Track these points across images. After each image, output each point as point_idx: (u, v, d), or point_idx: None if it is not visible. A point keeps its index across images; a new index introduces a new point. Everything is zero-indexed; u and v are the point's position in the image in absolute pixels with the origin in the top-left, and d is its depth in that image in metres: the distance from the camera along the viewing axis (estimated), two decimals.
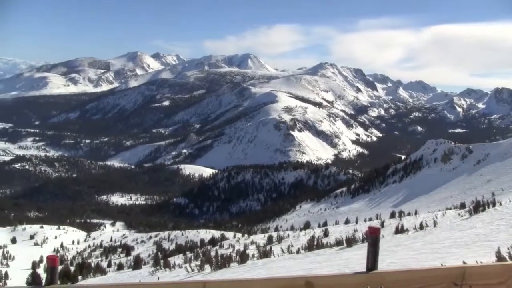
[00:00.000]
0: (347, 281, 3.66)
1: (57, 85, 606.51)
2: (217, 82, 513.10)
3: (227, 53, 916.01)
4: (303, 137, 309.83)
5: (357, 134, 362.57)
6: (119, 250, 70.94)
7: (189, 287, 3.59)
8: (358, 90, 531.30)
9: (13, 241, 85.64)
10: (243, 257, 24.32)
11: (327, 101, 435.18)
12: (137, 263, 39.37)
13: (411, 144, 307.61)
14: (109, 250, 72.40)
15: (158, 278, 25.94)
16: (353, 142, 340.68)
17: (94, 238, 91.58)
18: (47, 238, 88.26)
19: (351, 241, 23.61)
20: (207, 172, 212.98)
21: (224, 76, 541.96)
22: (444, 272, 3.91)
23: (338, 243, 24.77)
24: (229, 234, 61.34)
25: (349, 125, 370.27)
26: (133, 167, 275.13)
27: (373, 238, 3.80)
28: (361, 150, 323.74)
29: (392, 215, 50.41)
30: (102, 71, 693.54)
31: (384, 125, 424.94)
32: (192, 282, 3.68)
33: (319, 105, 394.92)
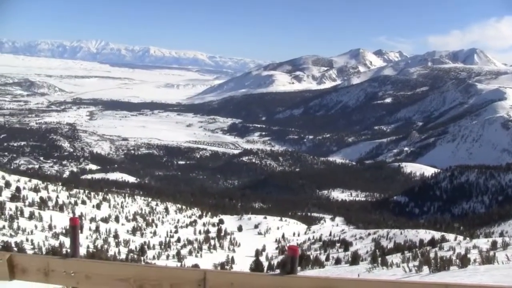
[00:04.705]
0: None
1: (283, 83, 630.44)
2: (441, 79, 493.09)
3: (452, 48, 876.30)
4: None
5: None
6: (338, 245, 71.92)
7: None
8: None
9: (239, 229, 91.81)
10: (463, 261, 22.93)
11: None
12: (355, 259, 39.38)
13: None
14: (327, 244, 73.76)
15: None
16: None
17: (314, 232, 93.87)
18: (269, 229, 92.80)
19: None
20: (429, 171, 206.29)
21: (448, 73, 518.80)
22: None
23: None
24: (450, 236, 58.91)
25: None
26: (354, 163, 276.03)
27: None
28: None
29: None
30: (325, 68, 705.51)
31: None
32: (435, 283, 3.50)
33: None
